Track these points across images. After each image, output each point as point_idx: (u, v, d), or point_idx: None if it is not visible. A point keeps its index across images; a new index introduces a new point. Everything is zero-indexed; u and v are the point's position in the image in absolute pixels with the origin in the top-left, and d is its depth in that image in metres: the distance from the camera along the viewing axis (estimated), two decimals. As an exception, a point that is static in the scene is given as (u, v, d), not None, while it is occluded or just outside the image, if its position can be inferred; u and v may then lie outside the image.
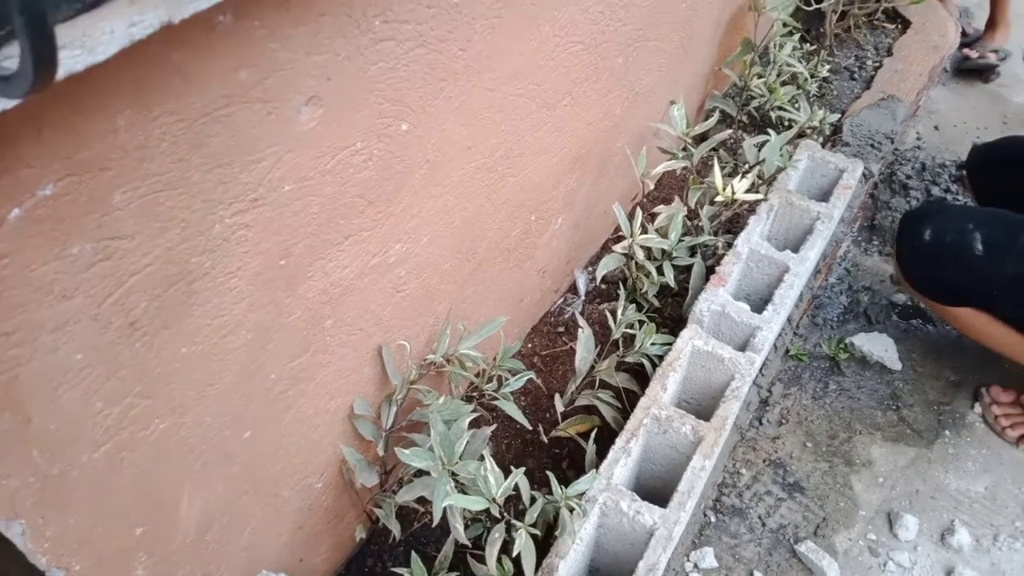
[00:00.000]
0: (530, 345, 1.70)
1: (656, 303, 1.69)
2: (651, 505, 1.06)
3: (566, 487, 1.08)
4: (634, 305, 1.72)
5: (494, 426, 1.19)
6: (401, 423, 1.18)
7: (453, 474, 1.04)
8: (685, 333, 1.31)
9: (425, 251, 1.10)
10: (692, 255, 1.64)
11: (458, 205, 1.13)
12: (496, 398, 1.23)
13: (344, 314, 0.98)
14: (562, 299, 1.79)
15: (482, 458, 1.04)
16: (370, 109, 0.84)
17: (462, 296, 1.28)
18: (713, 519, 1.52)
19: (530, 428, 1.34)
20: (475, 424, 1.36)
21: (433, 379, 1.28)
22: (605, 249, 1.93)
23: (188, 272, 0.71)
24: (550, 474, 1.10)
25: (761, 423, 1.69)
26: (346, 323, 0.99)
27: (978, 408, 1.75)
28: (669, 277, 1.56)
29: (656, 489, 1.28)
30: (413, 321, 1.16)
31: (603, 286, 1.82)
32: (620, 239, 1.58)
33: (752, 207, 1.71)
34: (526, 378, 1.27)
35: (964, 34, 2.93)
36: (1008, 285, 1.41)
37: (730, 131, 1.70)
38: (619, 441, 1.15)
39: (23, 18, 0.29)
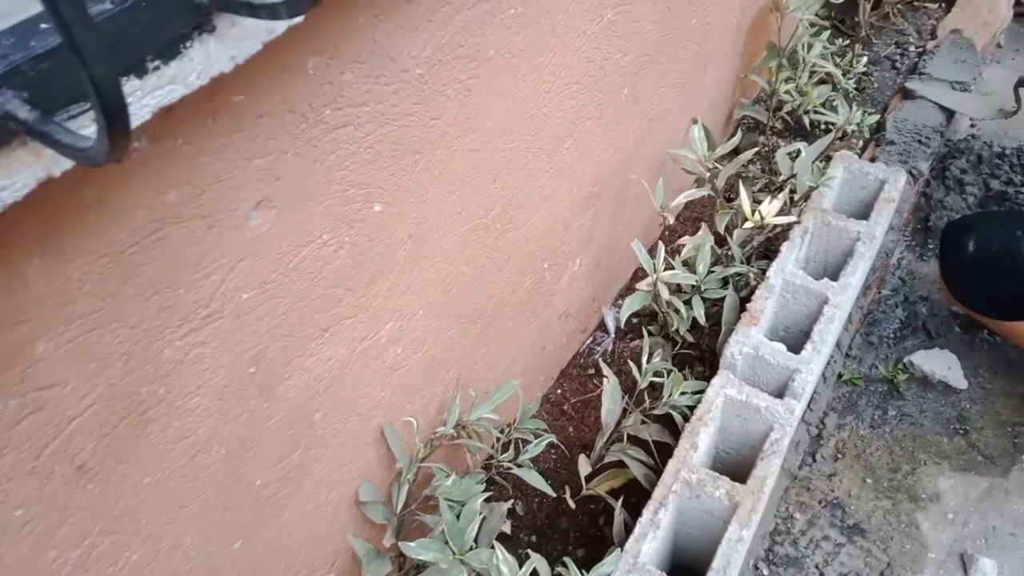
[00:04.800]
0: (559, 391, 1.63)
1: (690, 338, 1.59)
2: (683, 585, 0.97)
3: (587, 571, 1.00)
4: (669, 343, 1.62)
5: (510, 502, 1.12)
6: (417, 499, 1.12)
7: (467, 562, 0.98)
8: (716, 381, 1.22)
9: (422, 324, 1.04)
10: (724, 286, 1.54)
11: (454, 271, 1.06)
12: (512, 467, 1.16)
13: (335, 404, 0.92)
14: (591, 339, 1.70)
15: (494, 546, 0.97)
16: (334, 198, 0.79)
17: (473, 359, 1.22)
18: (766, 572, 1.41)
19: (553, 495, 1.26)
20: (495, 496, 1.30)
21: (449, 450, 1.22)
22: (636, 280, 1.84)
23: (139, 403, 0.67)
24: (568, 561, 1.02)
25: (815, 459, 1.57)
26: (338, 413, 0.94)
27: (1059, 427, 1.59)
28: (699, 313, 1.46)
29: (696, 554, 1.19)
30: (418, 395, 1.10)
31: (635, 320, 1.73)
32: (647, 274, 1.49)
33: (788, 228, 1.60)
34: (546, 442, 1.20)
35: (1019, 3, 2.72)
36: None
37: (755, 150, 1.59)
38: (646, 512, 1.07)
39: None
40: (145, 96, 0.49)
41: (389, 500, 1.10)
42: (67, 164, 0.47)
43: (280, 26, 0.57)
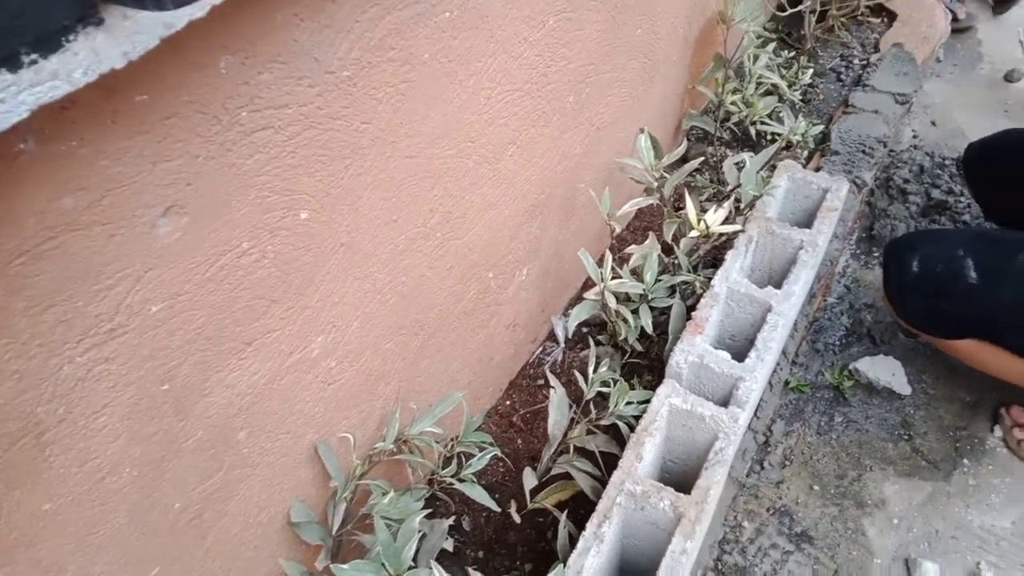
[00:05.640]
0: (508, 403, 1.60)
1: (639, 347, 1.58)
2: (626, 601, 0.95)
3: (529, 588, 0.97)
4: (618, 352, 1.61)
5: (452, 518, 1.09)
6: (356, 517, 1.08)
7: (403, 583, 0.94)
8: (661, 390, 1.21)
9: (357, 336, 1.00)
10: (672, 295, 1.54)
11: (391, 281, 1.03)
12: (454, 483, 1.13)
13: (262, 422, 0.88)
14: (541, 348, 1.68)
15: (432, 566, 0.94)
16: (253, 205, 0.75)
17: (415, 371, 1.19)
18: (715, 582, 1.40)
19: (499, 510, 1.23)
20: (442, 512, 1.26)
21: (390, 466, 1.18)
22: (586, 289, 1.83)
23: (36, 424, 0.62)
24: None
25: (763, 467, 1.57)
26: (266, 431, 0.90)
27: (998, 431, 1.61)
28: (646, 322, 1.45)
29: (644, 567, 1.17)
30: (355, 409, 1.07)
31: (585, 329, 1.71)
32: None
33: (734, 236, 1.60)
34: (490, 455, 1.17)
35: (955, 19, 2.80)
36: (1008, 312, 1.28)
37: (701, 159, 1.59)
38: (590, 526, 1.05)
39: None
40: (21, 92, 0.45)
41: (325, 520, 1.06)
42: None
43: (179, 21, 0.53)
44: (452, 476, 1.12)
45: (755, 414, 1.53)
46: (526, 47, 1.14)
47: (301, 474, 1.00)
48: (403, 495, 1.03)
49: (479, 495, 1.14)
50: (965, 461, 1.57)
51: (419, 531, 0.98)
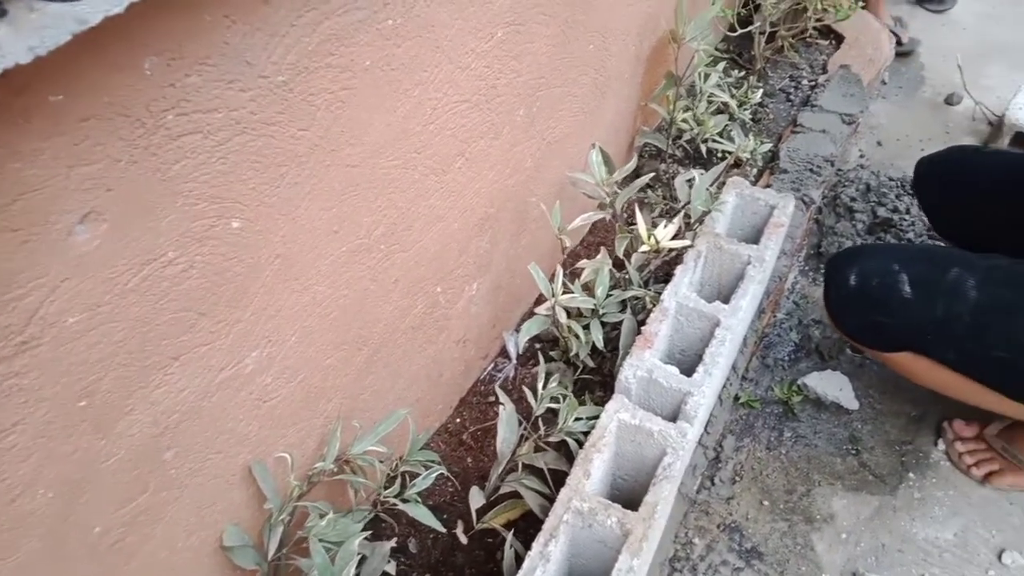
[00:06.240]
0: (459, 420, 1.57)
1: (591, 363, 1.57)
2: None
3: (472, 610, 0.94)
4: (571, 368, 1.60)
5: (393, 540, 1.06)
6: (294, 539, 1.04)
7: (342, 607, 0.90)
8: (610, 406, 1.20)
9: (296, 351, 0.97)
10: (623, 310, 1.53)
11: (332, 294, 1.00)
12: (397, 503, 1.09)
13: (190, 441, 0.84)
14: (492, 365, 1.66)
15: (370, 588, 0.90)
16: (180, 212, 0.72)
17: (359, 388, 1.16)
18: (665, 600, 1.39)
19: (445, 531, 1.20)
20: (378, 535, 1.23)
21: (332, 487, 1.14)
22: (539, 304, 1.81)
23: (-68, 444, 0.58)
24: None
25: (713, 483, 1.57)
26: (195, 450, 0.86)
27: (942, 445, 1.64)
28: (597, 338, 1.44)
29: (590, 585, 1.15)
30: (294, 428, 1.03)
31: (537, 345, 1.70)
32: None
33: (684, 251, 1.61)
34: (435, 475, 1.14)
35: (899, 43, 2.90)
36: (939, 327, 1.30)
37: (652, 174, 1.60)
38: (536, 545, 1.03)
39: None
40: (-91, 85, 0.42)
41: (261, 544, 1.01)
42: None
43: (94, 17, 0.50)
44: (396, 496, 1.09)
45: (705, 429, 1.53)
46: (474, 58, 1.13)
47: (234, 496, 0.96)
48: (343, 517, 1.00)
49: (423, 515, 1.11)
50: (911, 475, 1.60)
51: (359, 554, 0.95)
